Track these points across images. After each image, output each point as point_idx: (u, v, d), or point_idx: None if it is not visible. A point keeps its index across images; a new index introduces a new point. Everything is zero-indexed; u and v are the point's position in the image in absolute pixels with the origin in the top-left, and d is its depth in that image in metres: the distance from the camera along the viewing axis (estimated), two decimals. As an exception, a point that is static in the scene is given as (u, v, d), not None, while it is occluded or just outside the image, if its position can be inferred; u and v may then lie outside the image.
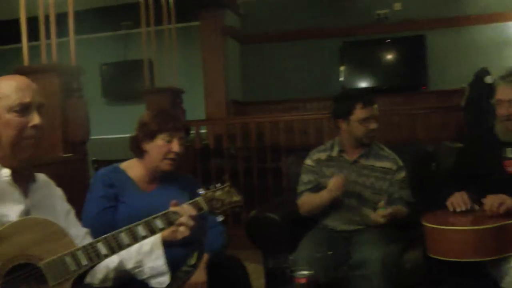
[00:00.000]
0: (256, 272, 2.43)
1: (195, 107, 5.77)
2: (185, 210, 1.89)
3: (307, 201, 2.95)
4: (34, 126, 1.67)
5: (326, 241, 2.74)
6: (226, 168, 5.28)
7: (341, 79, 6.85)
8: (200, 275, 2.16)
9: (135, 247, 1.82)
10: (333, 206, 2.88)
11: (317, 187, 2.94)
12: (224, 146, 5.36)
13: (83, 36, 4.06)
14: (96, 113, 3.84)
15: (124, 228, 1.75)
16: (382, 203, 2.70)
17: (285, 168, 4.94)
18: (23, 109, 1.66)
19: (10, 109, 1.64)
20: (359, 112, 2.83)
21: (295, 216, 2.99)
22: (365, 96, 2.93)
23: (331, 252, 2.10)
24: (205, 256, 2.21)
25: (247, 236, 3.03)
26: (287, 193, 4.57)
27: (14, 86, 1.67)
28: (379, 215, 2.66)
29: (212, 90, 6.46)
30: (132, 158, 2.47)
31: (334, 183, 2.75)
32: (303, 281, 1.73)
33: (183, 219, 1.86)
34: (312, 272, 1.75)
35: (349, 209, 2.88)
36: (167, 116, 2.36)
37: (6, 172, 1.66)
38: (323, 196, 2.83)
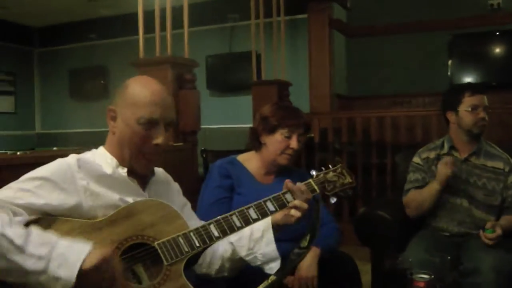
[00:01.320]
0: (361, 269, 2.41)
1: (299, 100, 5.78)
2: (298, 192, 1.85)
3: (414, 197, 2.86)
4: (156, 144, 1.68)
5: (435, 244, 2.66)
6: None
7: (449, 73, 6.59)
8: (311, 270, 2.18)
9: (247, 233, 1.82)
10: (443, 206, 2.80)
11: (425, 186, 2.86)
12: (329, 140, 5.34)
13: (190, 28, 4.19)
14: (201, 103, 3.97)
15: (236, 210, 1.75)
16: (489, 224, 2.56)
17: (390, 165, 4.86)
18: (151, 124, 1.65)
19: (138, 121, 1.64)
20: (468, 100, 2.76)
21: (403, 216, 2.93)
22: (473, 85, 2.84)
23: (449, 257, 2.04)
24: (318, 251, 2.22)
25: (356, 233, 3.00)
26: (392, 192, 4.51)
27: (149, 97, 1.66)
28: (486, 237, 2.53)
29: (317, 83, 6.42)
30: (236, 147, 2.51)
31: (444, 162, 2.68)
32: (421, 284, 1.70)
33: (296, 202, 1.83)
34: (432, 276, 1.72)
35: (460, 210, 2.78)
36: (289, 111, 2.38)
37: (123, 170, 1.71)
38: (432, 186, 2.74)
